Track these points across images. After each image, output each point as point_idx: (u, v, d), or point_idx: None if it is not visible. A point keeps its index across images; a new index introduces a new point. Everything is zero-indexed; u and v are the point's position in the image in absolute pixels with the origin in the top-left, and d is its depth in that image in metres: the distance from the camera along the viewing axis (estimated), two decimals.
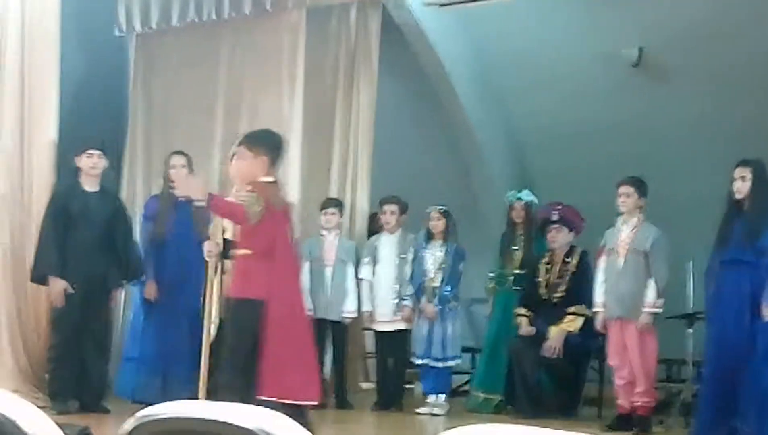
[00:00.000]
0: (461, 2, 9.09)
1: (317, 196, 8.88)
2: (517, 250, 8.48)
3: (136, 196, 9.37)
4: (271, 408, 2.11)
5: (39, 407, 2.28)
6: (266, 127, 6.60)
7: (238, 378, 5.87)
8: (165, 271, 7.85)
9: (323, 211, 8.52)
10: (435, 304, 8.16)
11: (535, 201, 8.52)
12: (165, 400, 2.23)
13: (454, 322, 8.24)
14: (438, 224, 8.29)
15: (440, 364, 8.16)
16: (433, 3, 9.16)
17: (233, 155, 6.05)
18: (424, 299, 8.21)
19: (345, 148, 9.03)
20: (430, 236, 8.34)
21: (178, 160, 8.01)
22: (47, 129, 8.26)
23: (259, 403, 5.43)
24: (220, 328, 6.45)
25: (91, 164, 7.64)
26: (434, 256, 8.27)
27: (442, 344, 8.13)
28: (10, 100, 8.25)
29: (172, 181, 7.82)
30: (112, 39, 9.64)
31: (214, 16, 9.12)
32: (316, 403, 5.94)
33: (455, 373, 8.86)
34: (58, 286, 7.50)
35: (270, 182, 5.98)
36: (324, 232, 8.53)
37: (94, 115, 9.23)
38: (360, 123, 8.99)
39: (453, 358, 8.21)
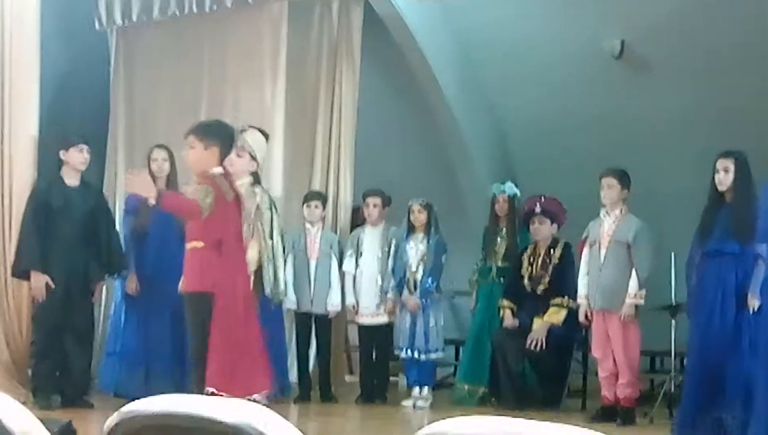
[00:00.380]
0: None
1: (300, 189, 8.86)
2: (500, 242, 8.48)
3: (117, 190, 9.34)
4: None
5: (21, 402, 2.26)
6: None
7: (196, 371, 5.92)
8: (146, 265, 7.84)
9: (306, 204, 8.49)
10: (417, 297, 8.16)
11: (518, 194, 8.52)
12: (148, 394, 2.21)
13: (437, 314, 8.23)
14: (419, 217, 8.28)
15: (423, 357, 8.15)
16: None
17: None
18: (406, 292, 8.20)
19: (328, 140, 9.01)
20: (411, 229, 8.33)
21: (159, 154, 8.00)
22: (28, 123, 8.21)
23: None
24: None
25: (81, 159, 7.63)
26: (416, 248, 8.26)
27: (425, 336, 8.12)
28: None
29: (154, 175, 7.85)
30: (93, 32, 9.59)
31: (195, 9, 9.07)
32: (258, 396, 5.91)
33: (439, 366, 8.86)
34: (39, 280, 7.48)
35: (221, 173, 5.98)
36: (307, 225, 8.50)
37: (75, 109, 9.19)
38: (343, 116, 8.98)
39: (436, 350, 8.19)
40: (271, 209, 6.54)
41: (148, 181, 6.06)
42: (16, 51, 8.25)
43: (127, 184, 6.12)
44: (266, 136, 6.84)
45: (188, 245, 6.04)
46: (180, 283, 6.16)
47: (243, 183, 6.56)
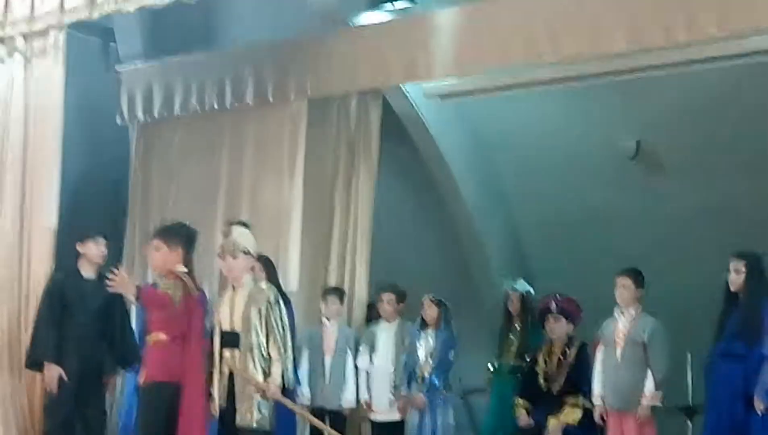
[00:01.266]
0: (462, 94, 9.18)
1: (316, 285, 8.87)
2: (512, 340, 8.42)
3: (134, 283, 9.35)
4: None
5: None
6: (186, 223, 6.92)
7: None
8: None
9: (324, 300, 8.51)
10: (423, 393, 8.10)
11: (531, 291, 8.48)
12: None
13: (446, 411, 8.15)
14: (430, 312, 8.27)
15: None
16: (433, 95, 9.25)
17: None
18: (414, 388, 8.16)
19: (344, 236, 9.04)
20: (424, 324, 8.32)
21: None
22: (47, 216, 8.31)
23: None
24: None
25: (98, 253, 7.70)
26: (426, 344, 8.25)
27: (433, 434, 8.05)
28: (11, 186, 8.36)
29: None
30: (114, 127, 9.72)
31: (216, 106, 9.19)
32: None
33: None
34: (53, 372, 7.48)
35: (185, 272, 6.48)
36: (324, 320, 8.50)
37: (94, 201, 9.29)
38: (359, 211, 9.02)
39: None
40: (278, 303, 6.62)
41: (126, 282, 6.48)
42: (38, 143, 8.40)
43: (110, 286, 6.47)
44: (247, 225, 6.97)
45: (151, 338, 6.47)
46: (140, 376, 6.51)
47: (246, 282, 6.64)
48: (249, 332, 6.48)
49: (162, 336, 6.45)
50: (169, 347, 6.42)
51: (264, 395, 6.44)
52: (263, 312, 6.52)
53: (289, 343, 6.61)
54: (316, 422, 7.36)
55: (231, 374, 6.50)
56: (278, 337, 6.54)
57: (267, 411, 6.48)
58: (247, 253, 6.62)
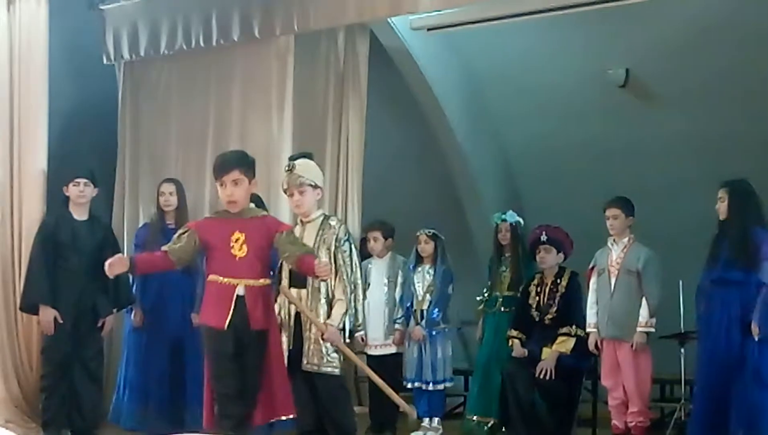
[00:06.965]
0: (448, 26, 9.12)
1: None
2: (505, 272, 8.44)
3: (125, 223, 9.35)
4: None
5: None
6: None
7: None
8: (149, 298, 7.90)
9: None
10: (423, 327, 8.16)
11: (521, 221, 8.49)
12: (157, 428, 2.23)
13: (444, 344, 8.21)
14: (426, 247, 8.29)
15: (431, 387, 8.13)
16: (420, 27, 9.19)
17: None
18: (412, 322, 8.20)
19: (335, 172, 9.01)
20: (419, 259, 8.34)
21: (166, 188, 8.10)
22: (37, 158, 8.29)
23: None
24: None
25: (77, 193, 7.65)
26: (423, 279, 8.28)
27: (432, 367, 8.11)
28: None
29: (162, 209, 7.91)
30: (101, 67, 9.64)
31: (202, 43, 9.10)
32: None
33: (449, 396, 8.82)
34: (48, 314, 7.50)
35: None
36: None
37: (83, 143, 9.24)
38: (350, 147, 8.99)
39: (443, 381, 8.17)
40: (348, 240, 6.43)
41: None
42: (24, 86, 8.33)
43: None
44: (310, 156, 6.58)
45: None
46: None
47: (317, 217, 6.43)
48: None
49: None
50: None
51: (323, 337, 6.18)
52: (332, 249, 6.29)
53: (359, 284, 6.37)
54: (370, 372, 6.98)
55: (298, 315, 6.29)
56: (345, 276, 6.27)
57: (337, 354, 6.26)
58: (314, 185, 6.38)
